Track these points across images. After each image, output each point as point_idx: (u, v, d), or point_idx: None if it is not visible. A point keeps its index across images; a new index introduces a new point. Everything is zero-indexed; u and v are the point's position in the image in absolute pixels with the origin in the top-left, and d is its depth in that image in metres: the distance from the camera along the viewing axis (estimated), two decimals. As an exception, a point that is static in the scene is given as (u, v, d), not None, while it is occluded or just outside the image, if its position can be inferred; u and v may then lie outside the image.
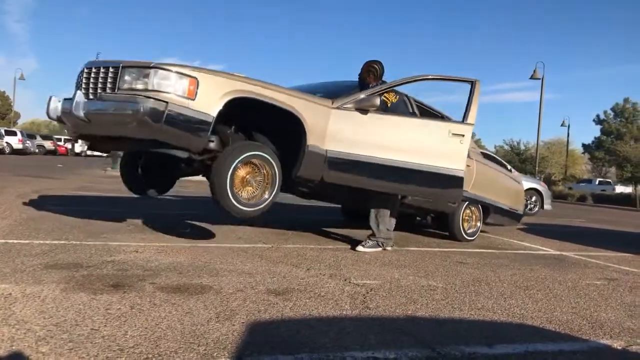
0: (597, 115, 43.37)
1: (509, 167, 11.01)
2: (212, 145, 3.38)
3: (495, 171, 5.88)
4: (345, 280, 2.95)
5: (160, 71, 3.04)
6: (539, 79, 21.98)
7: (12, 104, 43.23)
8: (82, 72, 3.44)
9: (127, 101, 3.02)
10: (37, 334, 1.72)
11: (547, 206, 11.03)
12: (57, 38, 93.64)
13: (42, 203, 5.41)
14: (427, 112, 5.00)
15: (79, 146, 40.11)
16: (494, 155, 13.19)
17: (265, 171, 3.45)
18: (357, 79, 4.14)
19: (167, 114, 2.99)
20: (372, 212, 4.15)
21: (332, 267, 3.29)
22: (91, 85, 3.28)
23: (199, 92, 3.09)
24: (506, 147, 40.45)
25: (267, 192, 3.46)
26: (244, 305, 2.25)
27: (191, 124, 3.08)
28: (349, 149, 3.70)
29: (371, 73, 4.06)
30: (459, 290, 2.92)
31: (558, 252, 5.04)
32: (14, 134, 26.40)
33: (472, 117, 4.02)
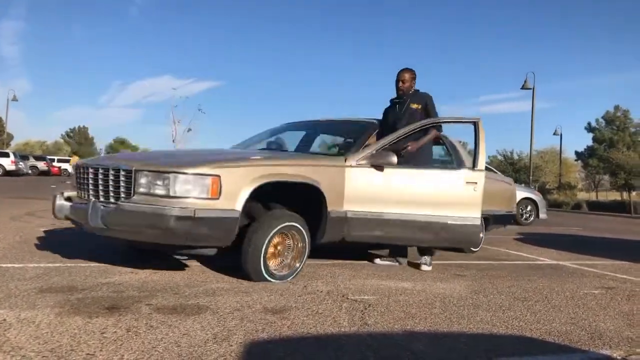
0: (589, 123, 43.76)
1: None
2: None
3: (491, 180, 5.91)
4: (343, 296, 2.93)
5: (181, 176, 2.89)
6: (530, 89, 22.21)
7: (5, 125, 43.15)
8: (85, 170, 3.28)
9: (151, 211, 2.85)
10: (32, 360, 1.69)
11: (543, 215, 11.05)
12: (50, 58, 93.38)
13: (36, 225, 5.37)
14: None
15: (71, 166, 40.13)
16: (487, 166, 13.25)
17: (295, 241, 3.41)
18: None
19: (194, 219, 2.86)
20: None
21: (329, 284, 3.27)
22: (101, 190, 3.14)
23: (223, 189, 2.96)
24: (500, 157, 40.70)
25: (297, 262, 3.42)
26: (241, 324, 2.24)
27: (219, 223, 2.98)
28: (367, 208, 3.67)
29: (400, 82, 4.25)
30: (457, 304, 2.92)
31: (555, 262, 5.04)
32: (6, 155, 26.27)
33: (481, 163, 4.01)
